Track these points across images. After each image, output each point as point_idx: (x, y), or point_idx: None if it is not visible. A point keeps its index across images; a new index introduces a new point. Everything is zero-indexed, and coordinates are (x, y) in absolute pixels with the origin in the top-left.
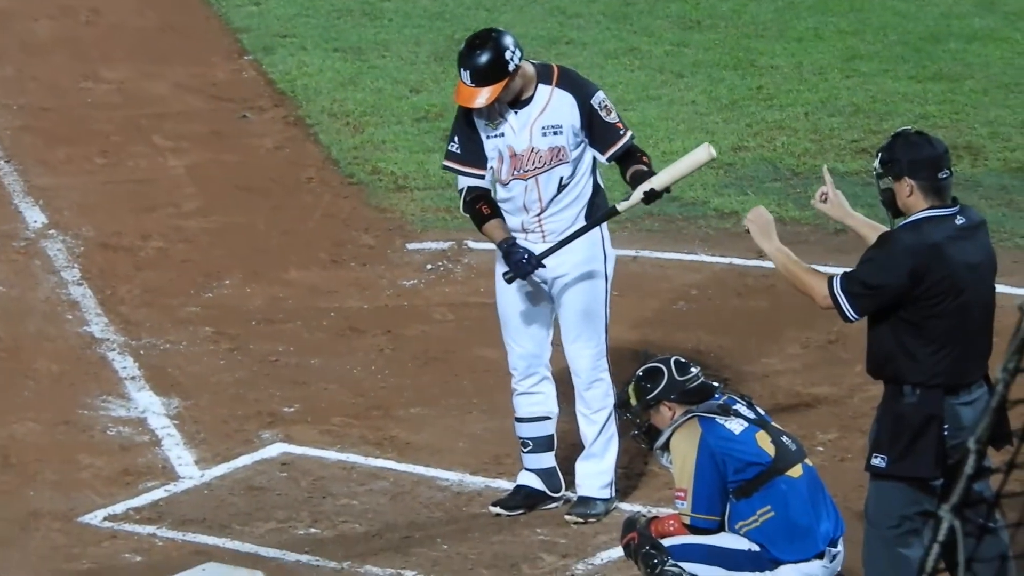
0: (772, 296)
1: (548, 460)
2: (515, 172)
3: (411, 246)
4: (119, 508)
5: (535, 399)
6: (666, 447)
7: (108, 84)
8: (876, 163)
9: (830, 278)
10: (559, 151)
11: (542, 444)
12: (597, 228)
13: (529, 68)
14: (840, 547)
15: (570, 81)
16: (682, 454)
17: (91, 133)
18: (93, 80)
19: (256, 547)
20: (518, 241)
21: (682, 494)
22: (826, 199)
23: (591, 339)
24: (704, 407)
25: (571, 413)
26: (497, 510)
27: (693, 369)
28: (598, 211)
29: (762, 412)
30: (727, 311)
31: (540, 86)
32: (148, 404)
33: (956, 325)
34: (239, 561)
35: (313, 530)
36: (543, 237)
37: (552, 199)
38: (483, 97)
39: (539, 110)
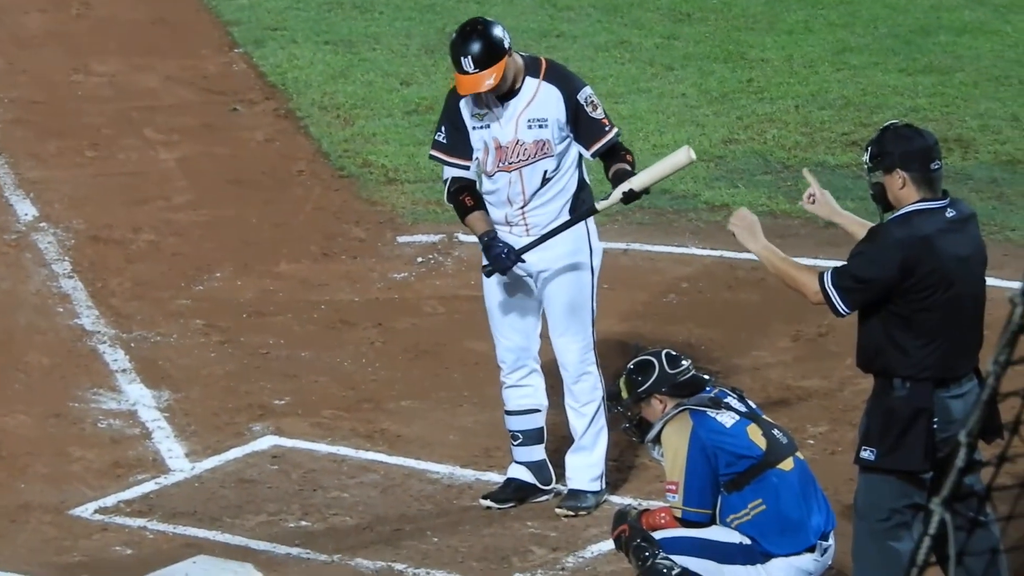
0: (762, 289)
1: (538, 453)
2: (500, 164)
3: (402, 239)
4: (110, 501)
5: (524, 392)
6: (657, 440)
7: (99, 77)
8: (866, 157)
9: (821, 273)
10: (544, 144)
11: (532, 437)
12: (583, 222)
13: (518, 60)
14: (831, 540)
15: (557, 75)
16: (673, 447)
17: (82, 126)
18: (84, 73)
19: (247, 540)
20: (501, 234)
21: (673, 487)
22: (814, 200)
23: (578, 332)
24: (695, 400)
25: (561, 406)
26: (487, 503)
27: (684, 362)
28: (582, 206)
29: (753, 405)
30: (718, 304)
31: (527, 79)
32: (139, 397)
33: (946, 318)
34: (230, 554)
35: (304, 523)
36: (527, 231)
37: (535, 192)
38: (489, 80)
39: (525, 103)
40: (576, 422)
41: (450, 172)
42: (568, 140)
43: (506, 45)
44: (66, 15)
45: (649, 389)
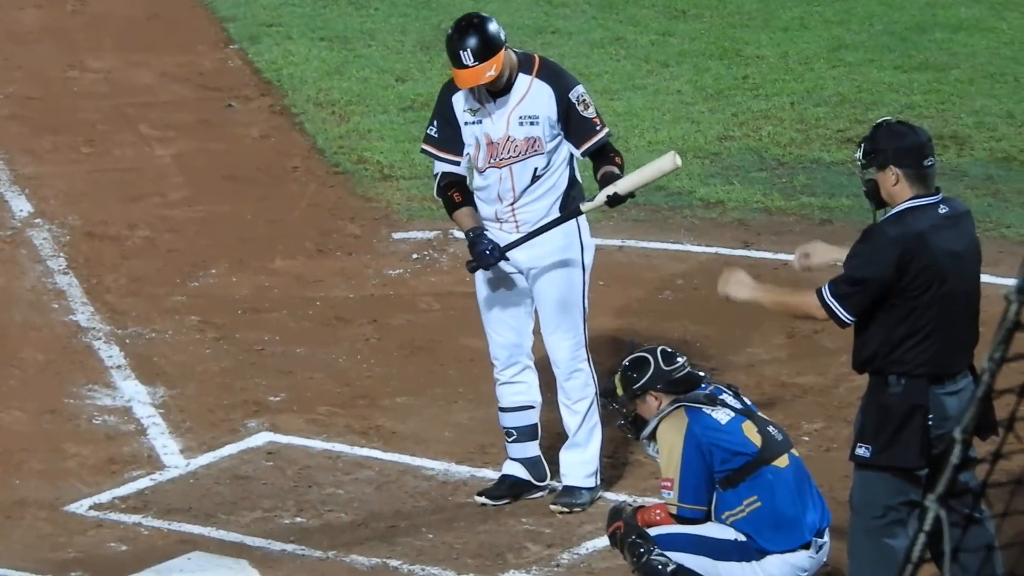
0: None
1: (533, 449)
2: (491, 160)
3: (397, 235)
4: (105, 497)
5: (518, 388)
6: (652, 437)
7: (94, 73)
8: (859, 154)
9: (818, 289)
10: (535, 141)
11: (526, 433)
12: (574, 219)
13: (512, 56)
14: (826, 537)
15: (550, 73)
16: (668, 444)
17: (77, 122)
18: (79, 69)
19: (242, 536)
20: (491, 231)
21: (668, 484)
22: (808, 255)
23: (569, 329)
24: (690, 397)
25: (555, 402)
26: (482, 500)
27: (679, 359)
28: (573, 204)
29: (748, 402)
30: (713, 301)
31: (520, 75)
32: (134, 393)
33: (940, 314)
34: (224, 550)
35: (299, 519)
36: (517, 227)
37: (525, 189)
38: (489, 71)
39: (517, 99)
40: (569, 419)
41: (441, 167)
42: (559, 138)
43: (502, 37)
44: (61, 11)
45: (644, 386)
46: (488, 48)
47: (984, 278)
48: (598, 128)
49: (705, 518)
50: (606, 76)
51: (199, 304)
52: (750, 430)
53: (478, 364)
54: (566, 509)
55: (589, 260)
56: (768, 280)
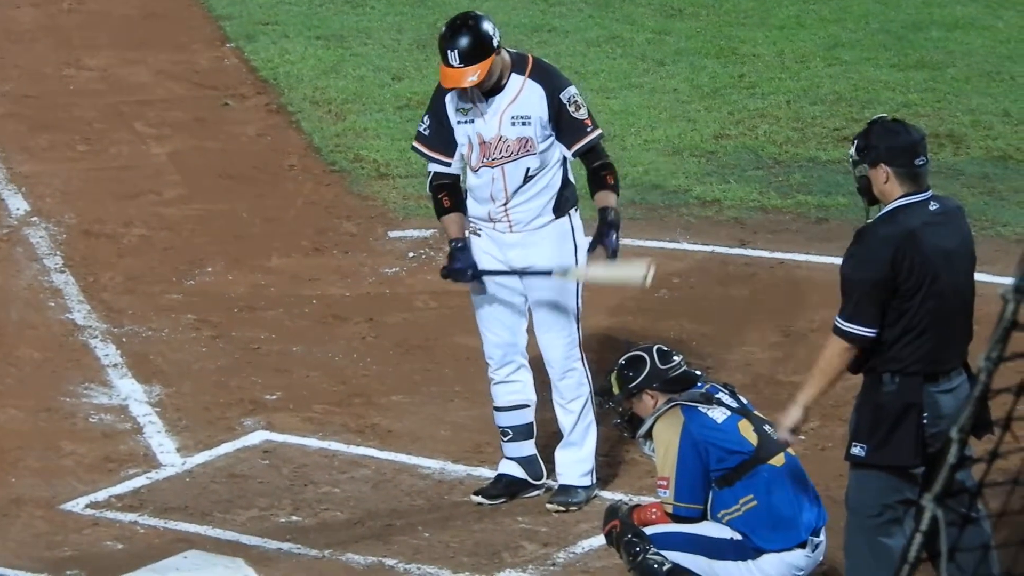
0: (753, 284)
1: (528, 448)
2: (483, 160)
3: (393, 234)
4: (101, 495)
5: (513, 388)
6: (648, 436)
7: (90, 71)
8: (852, 150)
9: (833, 328)
10: (527, 142)
11: (522, 432)
12: (567, 219)
13: (505, 56)
14: (822, 536)
15: (542, 73)
16: (665, 442)
17: (73, 120)
18: (75, 67)
19: (238, 535)
20: (485, 230)
21: (664, 482)
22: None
23: (562, 329)
24: (687, 396)
25: (551, 401)
26: (479, 499)
27: (675, 357)
28: (566, 204)
29: (744, 401)
30: (709, 299)
31: (513, 75)
32: (130, 391)
33: (933, 312)
34: (221, 549)
35: (295, 518)
36: (510, 227)
37: (518, 189)
38: (473, 76)
39: (510, 99)
40: (563, 419)
41: (432, 166)
42: (552, 138)
43: (495, 43)
44: (57, 9)
45: (640, 385)
46: (477, 52)
47: (980, 276)
48: (588, 129)
49: (701, 517)
50: (602, 74)
51: (195, 302)
52: (746, 429)
53: (474, 363)
54: (562, 508)
55: (583, 260)
56: (764, 278)
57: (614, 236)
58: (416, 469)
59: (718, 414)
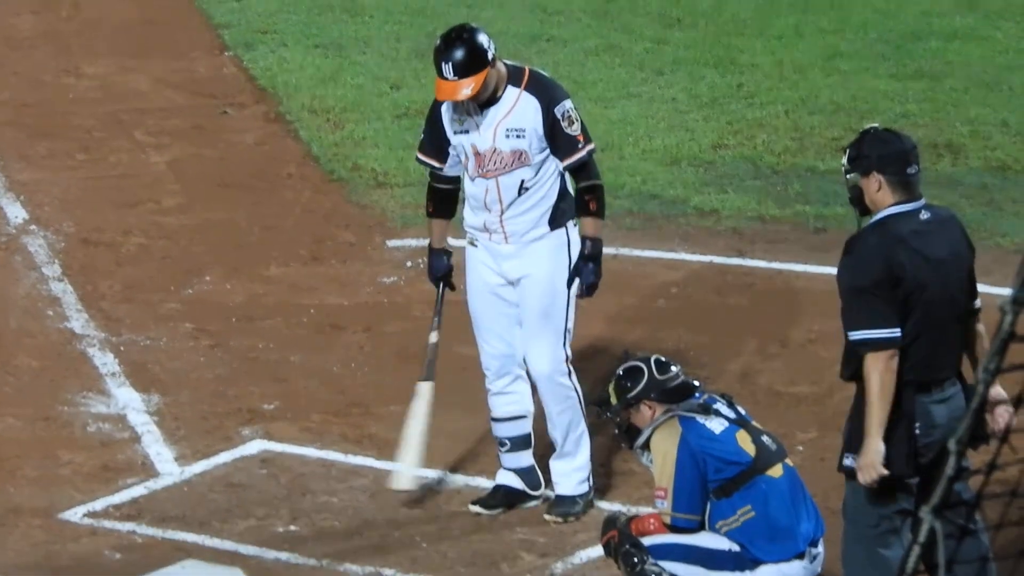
0: (752, 294)
1: (526, 459)
2: (479, 170)
3: (391, 243)
4: (99, 504)
5: (510, 399)
6: (646, 446)
7: (89, 79)
8: (844, 160)
9: (855, 344)
10: (521, 154)
11: (519, 443)
12: (563, 231)
13: (501, 68)
14: (820, 547)
15: (538, 86)
16: (662, 453)
17: (72, 128)
18: (74, 75)
19: (235, 544)
20: (481, 241)
21: (662, 493)
22: None
23: (549, 340)
24: (684, 406)
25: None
26: (476, 509)
27: (673, 368)
28: (563, 217)
29: (742, 411)
30: (707, 309)
31: (509, 87)
32: (128, 400)
33: (924, 321)
34: (218, 558)
35: (292, 527)
36: (505, 238)
37: (513, 201)
38: (467, 89)
39: (505, 112)
40: (554, 431)
41: (428, 169)
42: (547, 151)
43: (489, 56)
44: (56, 17)
45: (638, 395)
46: (471, 65)
47: (978, 287)
48: (580, 146)
49: (699, 527)
50: (601, 84)
51: (193, 311)
52: (744, 439)
53: (471, 372)
54: (560, 519)
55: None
56: (762, 288)
57: (591, 269)
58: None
59: (716, 425)
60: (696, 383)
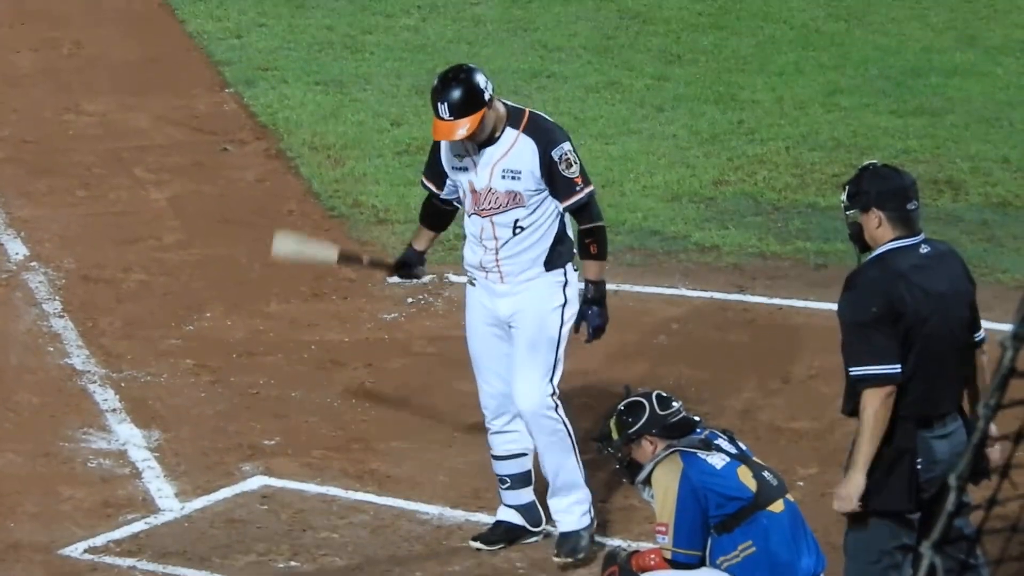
0: (752, 330)
1: (527, 495)
2: (475, 208)
3: (392, 279)
4: (99, 540)
5: (509, 437)
6: (648, 481)
7: (90, 116)
8: (843, 196)
9: (855, 380)
10: (516, 195)
11: (520, 480)
12: (561, 271)
13: (500, 108)
14: None
15: (536, 128)
16: (663, 488)
17: (73, 165)
18: (75, 112)
19: None
20: (479, 280)
21: (663, 528)
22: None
23: (533, 374)
24: (686, 442)
25: None
26: (477, 545)
27: (675, 403)
28: (559, 259)
29: (743, 447)
30: (708, 345)
31: (508, 129)
32: (129, 436)
33: (923, 354)
34: None
35: (293, 563)
36: (501, 278)
37: (507, 240)
38: (463, 129)
39: (502, 153)
40: (545, 466)
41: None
42: (544, 193)
43: (486, 97)
44: (57, 54)
45: (640, 430)
46: (467, 106)
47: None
48: (578, 188)
49: (700, 563)
50: (601, 120)
51: (194, 347)
52: (745, 475)
53: (473, 408)
54: (570, 559)
55: (569, 315)
56: (762, 324)
57: (596, 312)
58: (415, 515)
59: (717, 460)
60: (697, 419)
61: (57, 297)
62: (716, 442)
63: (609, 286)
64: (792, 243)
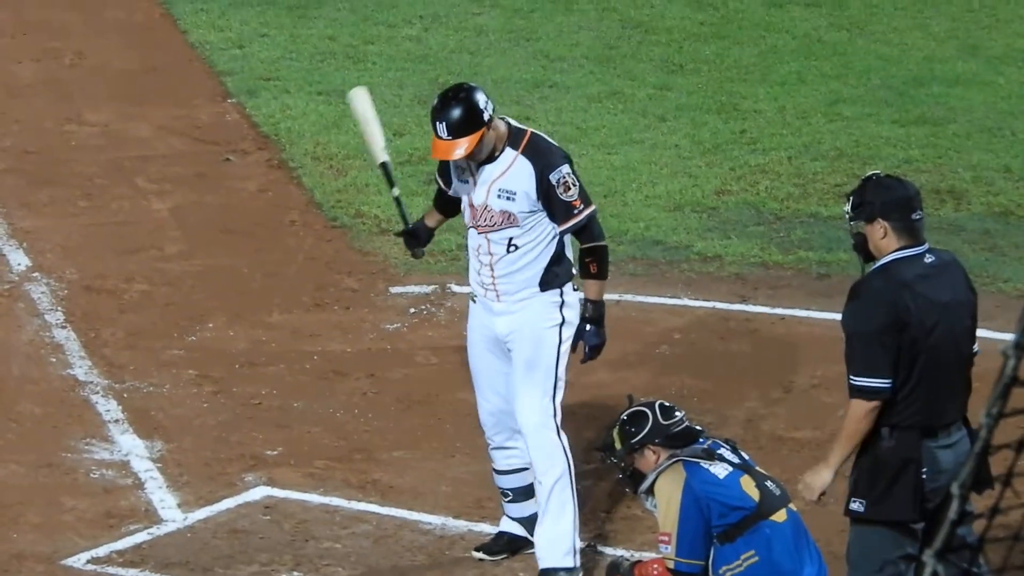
0: (755, 340)
1: (529, 508)
2: (474, 222)
3: (394, 290)
4: (102, 551)
5: (510, 452)
6: (650, 491)
7: (91, 126)
8: (847, 207)
9: (849, 389)
10: (510, 216)
11: (521, 493)
12: (558, 291)
13: (501, 127)
14: None
15: (536, 151)
16: (666, 498)
17: (74, 175)
18: (76, 122)
19: None
20: (479, 297)
21: (666, 538)
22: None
23: (533, 392)
24: (689, 451)
25: None
26: (480, 555)
27: (678, 413)
28: (556, 280)
29: (746, 456)
30: (710, 355)
31: (507, 149)
32: (131, 447)
33: (928, 365)
34: None
35: (296, 574)
36: (497, 297)
37: (502, 258)
38: (460, 149)
39: (499, 172)
40: (539, 489)
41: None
42: (540, 214)
43: (485, 117)
44: (59, 64)
45: (643, 440)
46: (465, 126)
47: (981, 332)
48: (576, 211)
49: (703, 573)
50: (603, 130)
51: (196, 358)
52: (748, 484)
53: (475, 418)
54: None
55: (568, 334)
56: (765, 334)
57: (593, 331)
58: (417, 525)
59: (720, 470)
60: (700, 428)
61: (59, 308)
62: (719, 452)
63: (611, 296)
64: (794, 253)
